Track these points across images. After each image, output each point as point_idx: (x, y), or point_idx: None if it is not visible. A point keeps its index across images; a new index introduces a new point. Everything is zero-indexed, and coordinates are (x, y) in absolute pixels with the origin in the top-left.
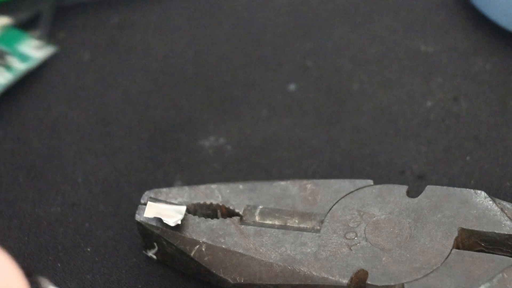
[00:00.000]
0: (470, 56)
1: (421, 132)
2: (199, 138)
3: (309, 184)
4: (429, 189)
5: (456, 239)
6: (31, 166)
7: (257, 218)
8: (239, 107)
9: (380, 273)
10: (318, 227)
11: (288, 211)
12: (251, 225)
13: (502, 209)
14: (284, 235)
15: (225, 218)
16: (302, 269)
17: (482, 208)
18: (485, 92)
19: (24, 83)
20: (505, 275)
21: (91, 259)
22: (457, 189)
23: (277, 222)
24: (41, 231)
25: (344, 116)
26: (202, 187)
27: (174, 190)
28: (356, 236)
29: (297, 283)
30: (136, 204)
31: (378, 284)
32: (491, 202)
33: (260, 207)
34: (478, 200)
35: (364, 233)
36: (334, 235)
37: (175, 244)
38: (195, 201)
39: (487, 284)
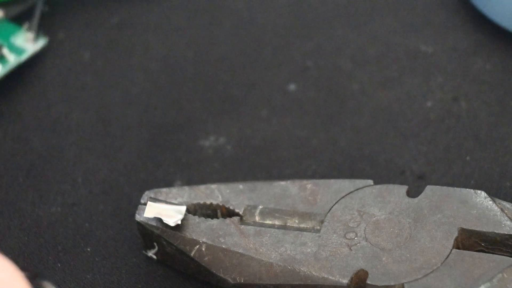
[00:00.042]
0: (470, 56)
1: (421, 132)
2: (199, 138)
3: (309, 184)
4: (429, 189)
5: (456, 239)
6: (31, 166)
7: (257, 218)
8: (239, 107)
9: (380, 273)
10: (318, 227)
11: (288, 211)
12: (251, 225)
13: (502, 209)
14: (284, 235)
15: (225, 218)
16: (302, 269)
17: (482, 208)
18: (485, 92)
19: (24, 83)
20: (505, 275)
21: (91, 259)
22: (457, 189)
23: (277, 222)
24: (41, 231)
25: (344, 116)
26: (202, 187)
27: (174, 190)
28: (356, 236)
29: (297, 283)
30: (136, 204)
31: (378, 284)
32: (491, 202)
33: (260, 207)
34: (478, 200)
35: (364, 233)
36: (334, 235)
37: (175, 244)
38: (195, 201)
39: (487, 284)
